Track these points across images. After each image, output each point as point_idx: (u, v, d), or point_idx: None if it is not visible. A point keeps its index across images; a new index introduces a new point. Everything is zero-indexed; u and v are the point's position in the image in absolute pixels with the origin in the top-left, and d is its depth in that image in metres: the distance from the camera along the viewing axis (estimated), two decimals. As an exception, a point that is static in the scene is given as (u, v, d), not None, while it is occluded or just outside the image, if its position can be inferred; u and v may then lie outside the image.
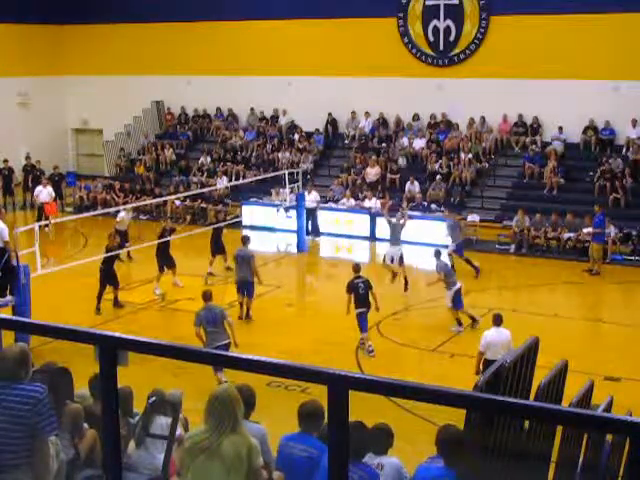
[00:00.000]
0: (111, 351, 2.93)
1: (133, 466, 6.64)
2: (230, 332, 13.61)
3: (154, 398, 7.00)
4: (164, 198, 26.80)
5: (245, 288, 17.15)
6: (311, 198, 25.65)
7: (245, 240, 17.67)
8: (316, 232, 25.60)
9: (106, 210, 25.65)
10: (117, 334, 3.01)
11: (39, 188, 26.75)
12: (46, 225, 23.38)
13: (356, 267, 15.79)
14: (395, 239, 19.93)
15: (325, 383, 2.63)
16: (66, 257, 21.57)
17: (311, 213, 25.41)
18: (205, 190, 27.05)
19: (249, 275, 17.07)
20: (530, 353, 4.80)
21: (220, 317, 13.54)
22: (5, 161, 30.46)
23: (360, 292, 15.36)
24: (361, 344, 15.47)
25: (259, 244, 25.90)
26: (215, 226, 21.54)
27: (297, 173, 27.00)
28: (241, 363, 2.85)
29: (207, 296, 13.77)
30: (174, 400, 7.23)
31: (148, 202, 26.33)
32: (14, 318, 4.67)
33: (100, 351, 2.92)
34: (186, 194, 26.82)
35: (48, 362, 6.93)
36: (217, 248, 20.74)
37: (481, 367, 12.34)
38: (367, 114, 30.01)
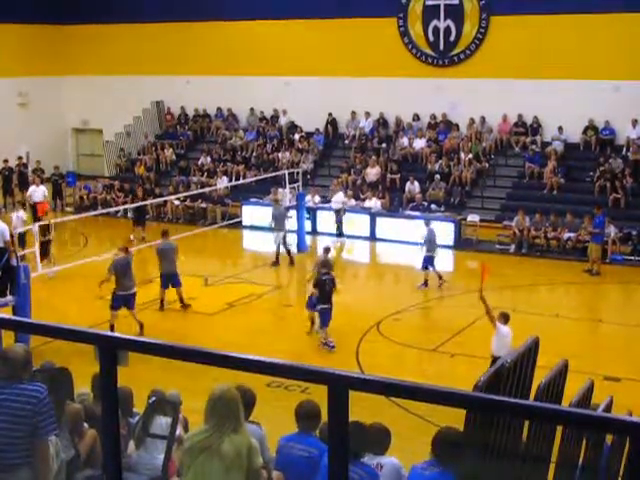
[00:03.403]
0: (111, 351, 2.93)
1: (133, 466, 6.65)
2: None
3: (154, 398, 7.01)
4: (164, 198, 26.81)
5: (172, 280, 17.56)
6: (337, 199, 25.71)
7: (165, 234, 18.16)
8: (340, 233, 25.37)
9: (106, 210, 25.65)
10: (117, 334, 3.00)
11: (32, 187, 26.30)
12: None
13: (325, 262, 16.09)
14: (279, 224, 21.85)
15: (325, 383, 2.62)
16: (66, 257, 21.56)
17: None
18: (205, 190, 27.04)
19: (175, 267, 17.52)
20: (530, 353, 4.79)
21: (130, 265, 15.99)
22: (5, 161, 30.43)
23: (326, 289, 15.36)
24: (324, 343, 15.39)
25: (259, 244, 25.95)
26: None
27: (297, 173, 26.98)
28: (241, 363, 2.85)
29: (125, 248, 16.41)
30: (174, 400, 7.24)
31: (148, 202, 26.31)
32: (14, 318, 4.66)
33: (100, 351, 2.92)
34: (186, 194, 26.81)
35: (46, 361, 6.94)
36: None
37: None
38: (367, 114, 30.00)
